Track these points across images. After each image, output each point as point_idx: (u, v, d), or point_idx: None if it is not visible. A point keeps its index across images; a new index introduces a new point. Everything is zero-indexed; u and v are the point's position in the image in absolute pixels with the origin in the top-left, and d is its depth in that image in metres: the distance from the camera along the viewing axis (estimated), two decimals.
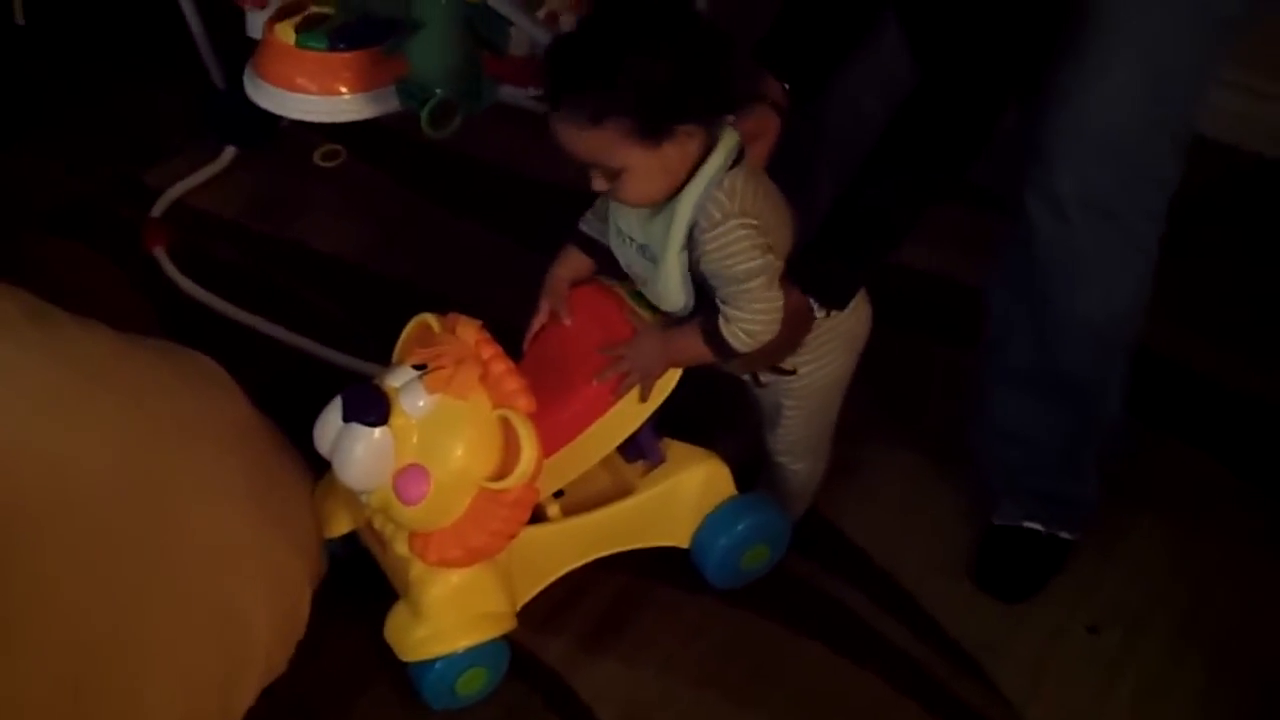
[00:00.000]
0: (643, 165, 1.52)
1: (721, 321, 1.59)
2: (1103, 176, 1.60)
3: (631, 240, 1.63)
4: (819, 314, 1.64)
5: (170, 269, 2.34)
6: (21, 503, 1.49)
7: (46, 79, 2.80)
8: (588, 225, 1.73)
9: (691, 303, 1.62)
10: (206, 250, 2.41)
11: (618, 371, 1.65)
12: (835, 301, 1.65)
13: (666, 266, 1.59)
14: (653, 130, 1.49)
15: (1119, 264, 1.67)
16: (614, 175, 1.53)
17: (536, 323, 1.73)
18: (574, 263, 1.74)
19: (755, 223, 1.55)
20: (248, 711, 1.66)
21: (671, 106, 1.49)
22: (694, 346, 1.64)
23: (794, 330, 1.64)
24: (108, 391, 1.64)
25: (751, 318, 1.58)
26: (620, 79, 1.46)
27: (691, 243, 1.57)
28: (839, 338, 1.73)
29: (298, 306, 2.30)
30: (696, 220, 1.55)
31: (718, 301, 1.59)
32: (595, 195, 1.64)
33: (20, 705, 1.44)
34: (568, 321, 1.72)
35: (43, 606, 1.48)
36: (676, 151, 1.52)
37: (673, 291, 1.61)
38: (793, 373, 1.73)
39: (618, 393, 1.66)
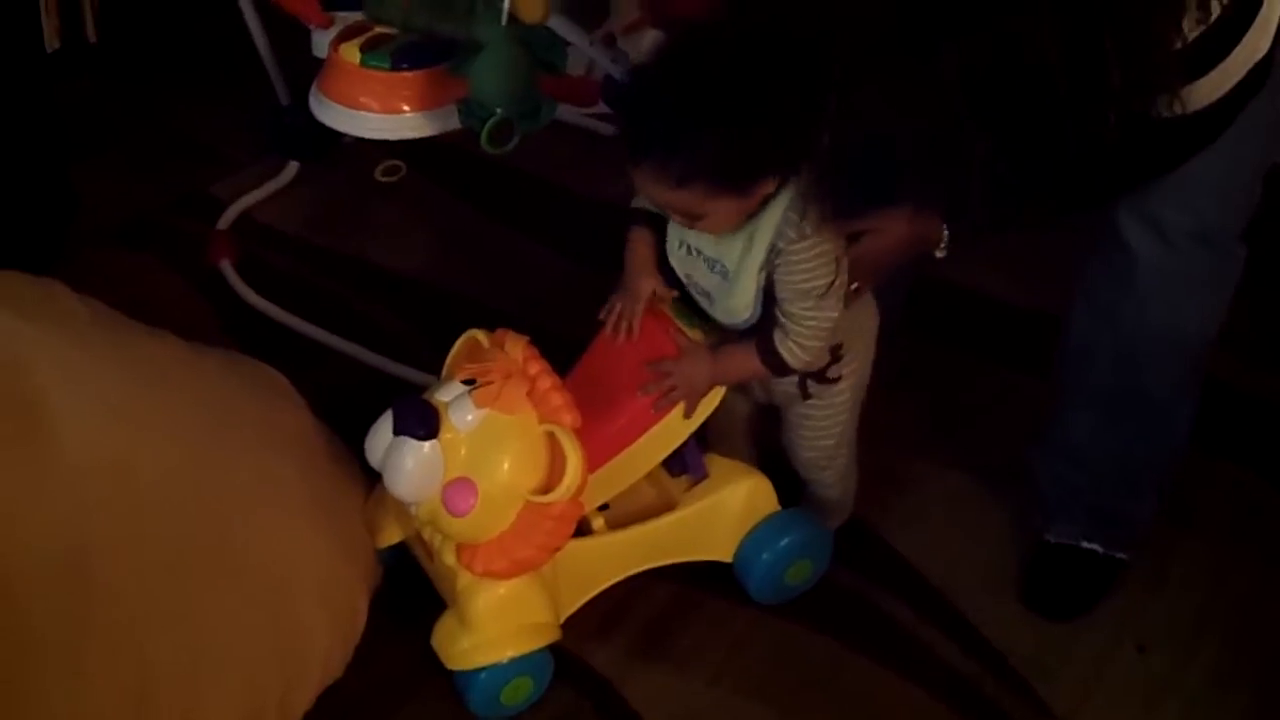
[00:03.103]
0: (724, 210, 1.56)
1: (778, 336, 1.62)
2: (1212, 210, 1.61)
3: (699, 253, 1.66)
4: (940, 253, 1.65)
5: (235, 281, 2.38)
6: (95, 511, 1.53)
7: (116, 95, 2.85)
8: (644, 201, 1.73)
9: (758, 314, 1.65)
10: (269, 263, 2.45)
11: (661, 388, 1.68)
12: (964, 238, 1.65)
13: (742, 283, 1.62)
14: (733, 188, 1.54)
15: (1216, 285, 1.69)
16: (695, 218, 1.58)
17: (639, 308, 1.72)
18: (646, 248, 1.74)
19: (829, 243, 1.59)
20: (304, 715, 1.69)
21: (751, 167, 1.53)
22: (744, 364, 1.67)
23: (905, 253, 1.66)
24: (178, 401, 1.69)
25: (811, 331, 1.61)
26: (699, 150, 1.49)
27: (769, 260, 1.60)
28: (863, 336, 1.77)
29: (357, 319, 2.32)
30: (775, 241, 1.58)
31: (778, 314, 1.62)
32: None
33: (86, 714, 1.48)
34: (625, 336, 1.73)
35: (110, 620, 1.51)
36: (756, 195, 1.56)
37: (744, 302, 1.64)
38: (838, 380, 1.75)
39: (660, 408, 1.68)
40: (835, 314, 1.63)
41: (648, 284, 1.73)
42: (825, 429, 1.81)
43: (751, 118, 1.49)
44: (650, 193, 1.58)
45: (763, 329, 1.64)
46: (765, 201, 1.58)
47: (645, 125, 1.52)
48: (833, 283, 1.60)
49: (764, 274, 1.61)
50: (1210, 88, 1.45)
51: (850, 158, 1.41)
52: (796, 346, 1.63)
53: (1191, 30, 1.38)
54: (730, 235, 1.61)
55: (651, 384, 1.68)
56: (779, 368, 1.65)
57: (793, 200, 1.58)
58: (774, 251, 1.59)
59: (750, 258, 1.60)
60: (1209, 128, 1.50)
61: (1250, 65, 1.46)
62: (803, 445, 1.84)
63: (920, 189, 1.51)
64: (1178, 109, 1.38)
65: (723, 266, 1.64)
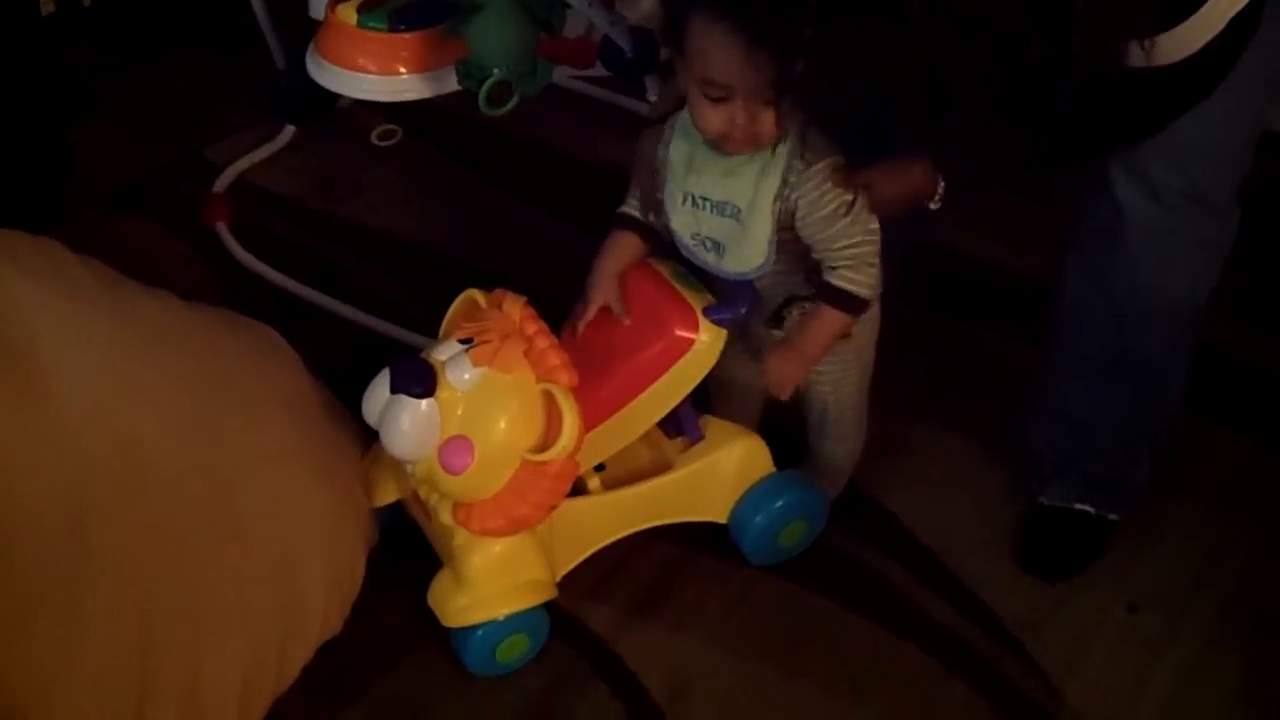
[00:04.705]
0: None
1: (832, 276, 1.63)
2: (1202, 170, 1.60)
3: (705, 201, 1.65)
4: (935, 204, 1.63)
5: (231, 243, 2.39)
6: (93, 466, 1.53)
7: (112, 58, 2.85)
8: (633, 209, 1.75)
9: (772, 260, 1.64)
10: (265, 226, 2.46)
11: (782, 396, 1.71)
12: (958, 189, 1.64)
13: (757, 218, 1.61)
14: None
15: (1208, 246, 1.68)
16: (763, 107, 1.52)
17: (588, 315, 1.74)
18: (623, 252, 1.75)
19: (842, 160, 1.59)
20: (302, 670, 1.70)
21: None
22: (823, 328, 1.67)
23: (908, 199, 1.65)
24: (176, 358, 1.69)
25: (858, 251, 1.61)
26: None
27: (783, 192, 1.59)
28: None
29: (353, 281, 2.33)
30: (787, 174, 1.58)
31: (821, 261, 1.63)
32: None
33: (86, 667, 1.49)
34: (627, 321, 1.73)
35: (111, 573, 1.51)
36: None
37: (758, 247, 1.63)
38: (847, 336, 1.74)
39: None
40: (873, 225, 1.62)
41: (604, 294, 1.73)
42: (834, 388, 1.82)
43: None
44: (750, 63, 1.47)
45: (820, 285, 1.65)
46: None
47: None
48: (854, 200, 1.60)
49: (779, 206, 1.60)
50: (1188, 37, 1.44)
51: (824, 92, 1.41)
52: (851, 273, 1.62)
53: None
54: (739, 170, 1.60)
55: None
56: (854, 304, 1.64)
57: (797, 132, 1.58)
58: (787, 185, 1.59)
59: (764, 188, 1.59)
60: (1196, 82, 1.50)
61: (1230, 17, 1.44)
62: (812, 407, 1.85)
63: (899, 128, 1.51)
64: (1146, 47, 1.37)
65: (734, 208, 1.63)
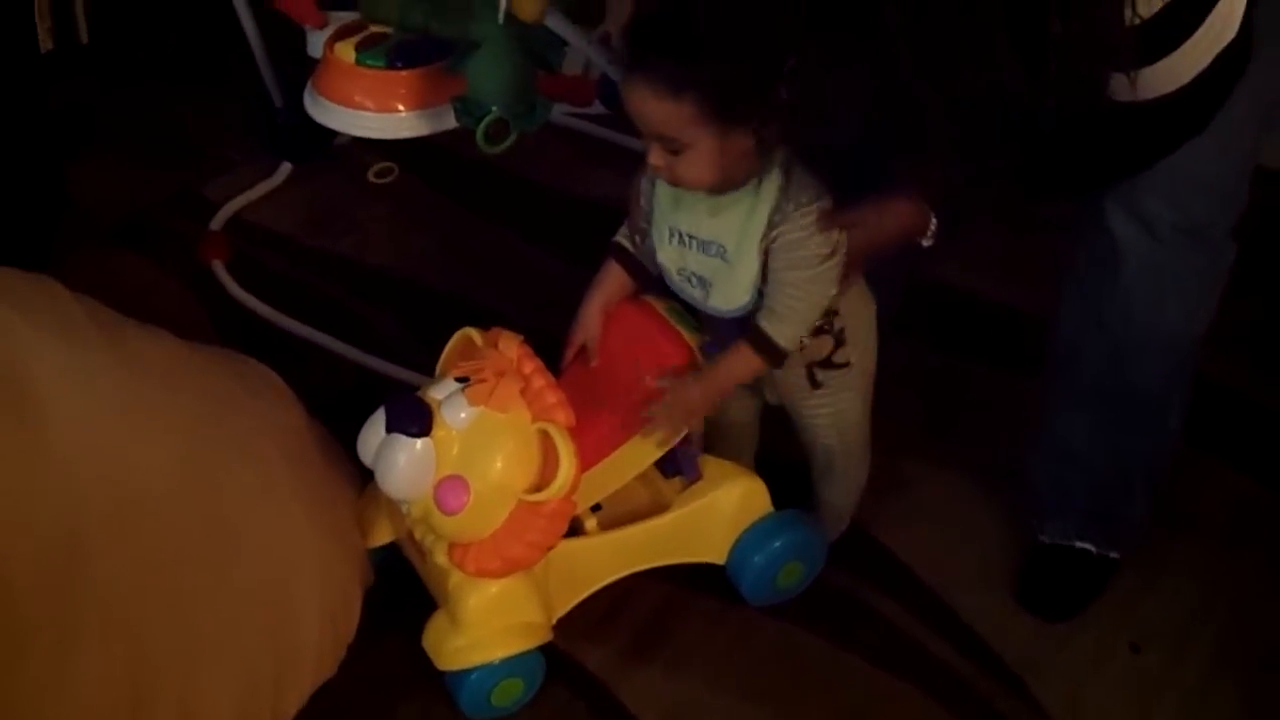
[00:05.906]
0: (704, 149, 1.53)
1: (764, 316, 1.62)
2: (1198, 203, 1.60)
3: (692, 239, 1.65)
4: (928, 241, 1.64)
5: (228, 281, 2.39)
6: (88, 501, 1.52)
7: (110, 95, 2.86)
8: (624, 239, 1.75)
9: (755, 301, 1.64)
10: (261, 262, 2.46)
11: (664, 429, 1.70)
12: (950, 226, 1.65)
13: (743, 259, 1.61)
14: (719, 115, 1.50)
15: (1203, 281, 1.69)
16: (676, 151, 1.54)
17: (570, 353, 1.76)
18: (610, 288, 1.76)
19: (829, 205, 1.59)
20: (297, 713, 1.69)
21: (739, 96, 1.49)
22: (735, 366, 1.66)
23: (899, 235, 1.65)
24: (173, 396, 1.68)
25: (796, 302, 1.60)
26: (704, 59, 1.45)
27: (769, 233, 1.59)
28: (862, 321, 1.75)
29: (350, 319, 2.33)
30: (773, 215, 1.58)
31: (768, 298, 1.61)
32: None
33: (79, 698, 1.48)
34: (594, 363, 1.74)
35: (105, 609, 1.51)
36: (733, 146, 1.53)
37: (743, 286, 1.63)
38: (846, 365, 1.74)
39: (664, 443, 1.71)
40: (829, 289, 1.62)
41: (584, 333, 1.74)
42: (837, 425, 1.81)
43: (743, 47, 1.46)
44: (642, 108, 1.52)
45: (751, 325, 1.64)
46: (756, 179, 1.58)
47: (655, 27, 1.50)
48: (832, 254, 1.59)
49: (765, 246, 1.59)
50: (1175, 70, 1.44)
51: (809, 123, 1.41)
52: (780, 322, 1.61)
53: (1147, 8, 1.36)
54: (729, 209, 1.60)
55: (650, 426, 1.69)
56: (774, 353, 1.63)
57: (784, 168, 1.58)
58: (772, 225, 1.58)
59: (751, 229, 1.59)
60: (1187, 116, 1.50)
61: (1216, 52, 1.44)
62: (816, 448, 1.84)
63: (885, 162, 1.51)
64: (1132, 78, 1.37)
65: (720, 247, 1.63)
